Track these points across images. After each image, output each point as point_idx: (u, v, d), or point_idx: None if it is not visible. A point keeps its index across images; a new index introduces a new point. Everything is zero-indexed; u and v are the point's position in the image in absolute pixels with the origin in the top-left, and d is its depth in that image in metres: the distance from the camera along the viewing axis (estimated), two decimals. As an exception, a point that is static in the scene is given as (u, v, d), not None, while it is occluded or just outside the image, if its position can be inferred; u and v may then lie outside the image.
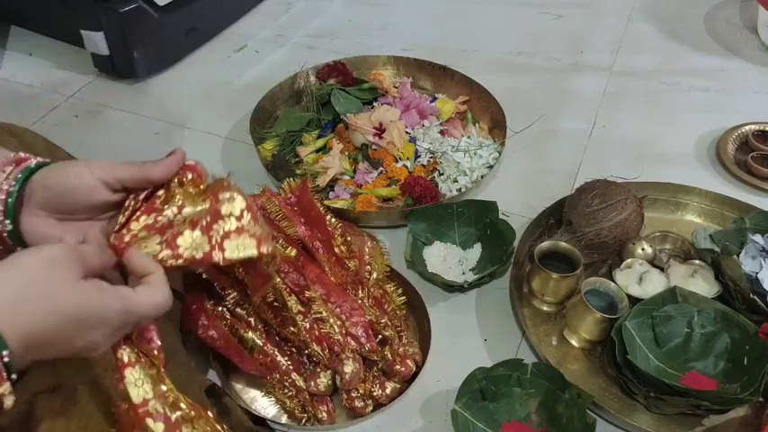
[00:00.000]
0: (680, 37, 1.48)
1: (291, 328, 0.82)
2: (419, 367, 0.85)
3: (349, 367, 0.80)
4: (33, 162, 0.58)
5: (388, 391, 0.82)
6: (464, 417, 0.76)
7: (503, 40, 1.47)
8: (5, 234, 0.57)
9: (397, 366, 0.83)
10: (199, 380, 0.77)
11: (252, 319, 0.85)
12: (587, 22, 1.53)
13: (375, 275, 0.91)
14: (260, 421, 0.81)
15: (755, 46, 1.44)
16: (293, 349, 0.84)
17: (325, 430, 0.81)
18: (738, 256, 0.89)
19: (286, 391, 0.82)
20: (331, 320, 0.82)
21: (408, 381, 0.84)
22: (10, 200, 0.56)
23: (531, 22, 1.54)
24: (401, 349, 0.85)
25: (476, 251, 0.98)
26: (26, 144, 0.75)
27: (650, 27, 1.51)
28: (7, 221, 0.56)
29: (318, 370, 0.82)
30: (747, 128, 1.19)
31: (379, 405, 0.83)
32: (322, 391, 0.81)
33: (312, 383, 0.81)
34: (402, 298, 0.91)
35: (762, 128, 1.19)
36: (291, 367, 0.83)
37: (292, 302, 0.82)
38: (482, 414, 0.77)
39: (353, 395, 0.81)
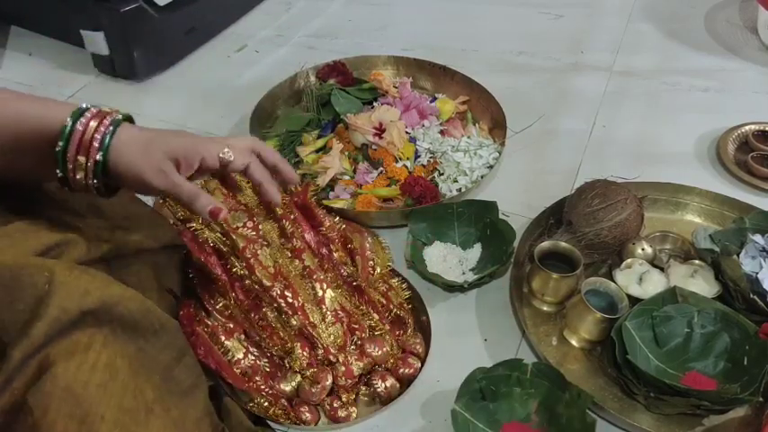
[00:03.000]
0: (680, 37, 1.48)
1: (280, 333, 0.83)
2: (422, 361, 0.85)
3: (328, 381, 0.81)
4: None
5: (388, 384, 0.82)
6: (464, 417, 0.76)
7: (503, 40, 1.47)
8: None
9: (402, 369, 0.83)
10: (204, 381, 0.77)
11: (231, 325, 0.85)
12: (587, 22, 1.53)
13: (379, 270, 0.92)
14: (260, 421, 0.81)
15: (755, 46, 1.44)
16: (272, 353, 0.84)
17: (325, 430, 0.81)
18: (738, 256, 0.89)
19: (266, 398, 0.81)
20: (321, 327, 0.83)
21: (408, 380, 0.84)
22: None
23: (531, 22, 1.54)
24: (408, 341, 0.86)
25: (476, 251, 0.98)
26: None
27: (650, 27, 1.51)
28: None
29: (289, 373, 0.82)
30: (747, 128, 1.19)
31: (376, 398, 0.83)
32: (286, 393, 0.81)
33: (278, 383, 0.81)
34: (407, 293, 0.91)
35: (762, 128, 1.19)
36: (269, 370, 0.83)
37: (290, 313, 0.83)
38: (482, 414, 0.77)
39: (336, 405, 0.81)
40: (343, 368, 0.81)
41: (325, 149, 1.14)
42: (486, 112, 1.20)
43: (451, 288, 0.94)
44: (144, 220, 0.80)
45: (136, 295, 0.66)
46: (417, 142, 1.13)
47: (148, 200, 0.95)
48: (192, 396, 0.70)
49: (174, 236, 0.83)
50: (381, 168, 1.09)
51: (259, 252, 0.84)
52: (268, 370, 0.83)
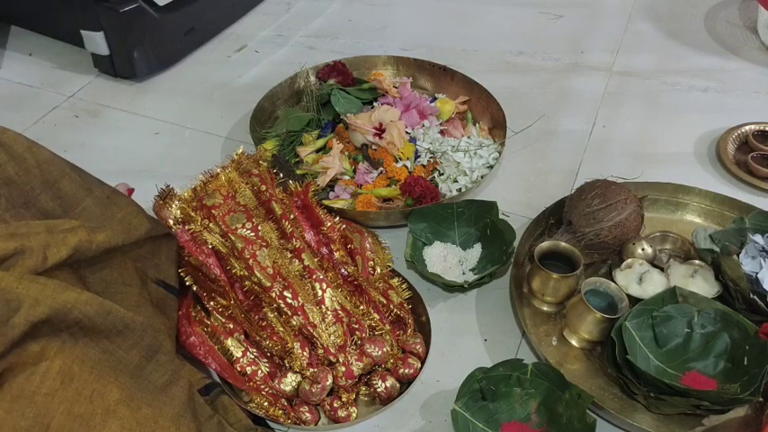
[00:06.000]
0: (680, 37, 1.48)
1: (281, 329, 0.83)
2: (422, 361, 0.85)
3: (328, 381, 0.81)
4: None
5: (388, 384, 0.82)
6: (464, 417, 0.76)
7: (503, 40, 1.47)
8: None
9: (402, 369, 0.83)
10: (192, 379, 0.77)
11: (231, 325, 0.85)
12: (587, 22, 1.53)
13: (379, 270, 0.92)
14: (260, 421, 0.81)
15: (755, 46, 1.44)
16: (272, 353, 0.84)
17: (325, 430, 0.81)
18: (738, 256, 0.89)
19: (266, 398, 0.81)
20: (321, 327, 0.83)
21: (408, 380, 0.84)
22: None
23: (531, 22, 1.54)
24: (409, 341, 0.86)
25: (476, 251, 0.98)
26: (5, 145, 0.73)
27: (650, 27, 1.51)
28: None
29: (289, 373, 0.82)
30: (747, 128, 1.19)
31: (376, 398, 0.83)
32: (286, 393, 0.81)
33: (278, 383, 0.81)
34: (407, 293, 0.91)
35: (762, 128, 1.19)
36: (269, 370, 0.83)
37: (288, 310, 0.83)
38: (482, 414, 0.77)
39: (336, 405, 0.81)
40: (343, 368, 0.81)
41: (325, 149, 1.14)
42: (486, 112, 1.20)
43: (451, 288, 0.94)
44: (116, 217, 0.79)
45: (93, 298, 0.66)
46: (417, 142, 1.13)
47: (144, 200, 0.95)
48: (168, 393, 0.71)
49: (151, 227, 0.81)
50: (381, 168, 1.09)
51: (258, 253, 0.84)
52: (268, 370, 0.83)
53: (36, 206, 0.73)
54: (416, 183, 1.03)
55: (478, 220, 1.00)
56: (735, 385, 0.77)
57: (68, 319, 0.63)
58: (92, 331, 0.66)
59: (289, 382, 0.81)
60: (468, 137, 1.15)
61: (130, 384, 0.67)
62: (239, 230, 0.87)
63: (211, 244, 0.85)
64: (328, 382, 0.80)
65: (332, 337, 0.83)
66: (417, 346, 0.86)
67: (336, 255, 0.91)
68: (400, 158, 1.10)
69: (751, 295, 0.85)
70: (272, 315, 0.83)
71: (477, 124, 1.20)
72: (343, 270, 0.90)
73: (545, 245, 0.91)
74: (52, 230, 0.68)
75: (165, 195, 0.94)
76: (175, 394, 0.71)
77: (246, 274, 0.84)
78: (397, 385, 0.83)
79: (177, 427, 0.68)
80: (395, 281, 0.92)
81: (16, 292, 0.61)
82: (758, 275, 0.87)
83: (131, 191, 1.03)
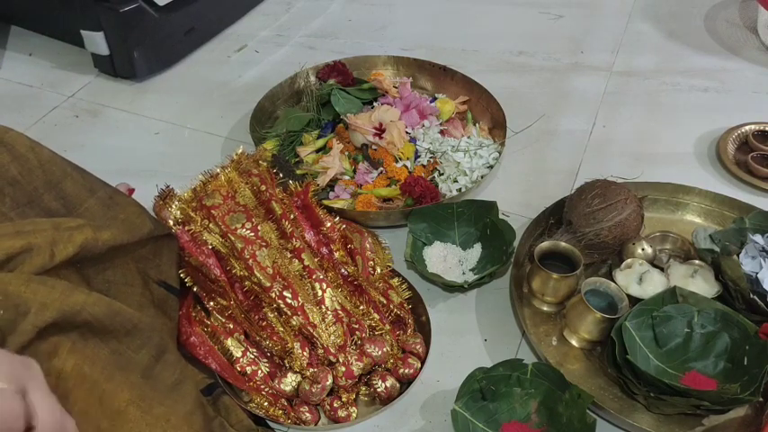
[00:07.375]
0: (680, 37, 1.48)
1: (281, 329, 0.83)
2: (422, 361, 0.85)
3: (328, 381, 0.81)
4: None
5: (388, 384, 0.82)
6: (464, 417, 0.76)
7: (503, 40, 1.47)
8: None
9: (402, 369, 0.83)
10: (196, 379, 0.77)
11: (231, 325, 0.85)
12: (587, 22, 1.53)
13: (379, 270, 0.92)
14: (260, 421, 0.81)
15: (755, 46, 1.44)
16: (272, 353, 0.84)
17: (325, 430, 0.81)
18: (738, 256, 0.89)
19: (266, 397, 0.81)
20: (321, 327, 0.83)
21: (408, 380, 0.84)
22: None
23: (531, 22, 1.54)
24: (409, 341, 0.86)
25: (476, 251, 0.98)
26: (7, 145, 0.72)
27: (650, 27, 1.51)
28: None
29: (289, 373, 0.82)
30: (747, 128, 1.19)
31: (376, 398, 0.83)
32: (286, 393, 0.81)
33: (278, 383, 0.81)
34: (407, 293, 0.91)
35: (762, 128, 1.19)
36: (269, 370, 0.83)
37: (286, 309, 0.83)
38: (482, 414, 0.77)
39: (336, 405, 0.81)
40: (343, 368, 0.81)
41: (325, 149, 1.14)
42: (486, 112, 1.20)
43: (451, 288, 0.94)
44: (119, 217, 0.79)
45: (100, 299, 0.65)
46: (417, 142, 1.13)
47: (144, 200, 0.95)
48: (179, 391, 0.70)
49: (153, 227, 0.81)
50: (381, 168, 1.09)
51: (257, 253, 0.84)
52: (268, 370, 0.83)
53: (40, 206, 0.73)
54: (416, 183, 1.03)
55: (478, 220, 1.00)
56: (735, 385, 0.77)
57: (76, 321, 0.63)
58: (101, 332, 0.66)
59: (289, 382, 0.81)
60: (468, 137, 1.15)
61: (141, 384, 0.66)
62: (239, 230, 0.87)
63: (211, 244, 0.85)
64: (328, 382, 0.80)
65: (332, 337, 0.83)
66: (417, 346, 0.86)
67: (336, 255, 0.91)
68: (400, 158, 1.10)
69: (751, 295, 0.85)
70: (272, 315, 0.83)
71: (477, 124, 1.20)
72: (343, 270, 0.90)
73: (545, 245, 0.91)
74: (59, 228, 0.68)
75: (165, 196, 0.94)
76: (186, 392, 0.71)
77: (246, 274, 0.84)
78: (397, 385, 0.83)
79: (190, 425, 0.67)
80: (395, 281, 0.92)
81: (24, 297, 0.60)
82: (758, 275, 0.87)
83: (132, 191, 1.03)
